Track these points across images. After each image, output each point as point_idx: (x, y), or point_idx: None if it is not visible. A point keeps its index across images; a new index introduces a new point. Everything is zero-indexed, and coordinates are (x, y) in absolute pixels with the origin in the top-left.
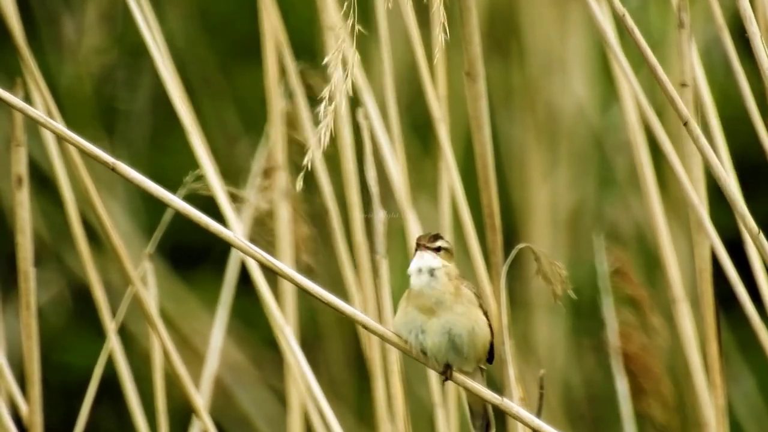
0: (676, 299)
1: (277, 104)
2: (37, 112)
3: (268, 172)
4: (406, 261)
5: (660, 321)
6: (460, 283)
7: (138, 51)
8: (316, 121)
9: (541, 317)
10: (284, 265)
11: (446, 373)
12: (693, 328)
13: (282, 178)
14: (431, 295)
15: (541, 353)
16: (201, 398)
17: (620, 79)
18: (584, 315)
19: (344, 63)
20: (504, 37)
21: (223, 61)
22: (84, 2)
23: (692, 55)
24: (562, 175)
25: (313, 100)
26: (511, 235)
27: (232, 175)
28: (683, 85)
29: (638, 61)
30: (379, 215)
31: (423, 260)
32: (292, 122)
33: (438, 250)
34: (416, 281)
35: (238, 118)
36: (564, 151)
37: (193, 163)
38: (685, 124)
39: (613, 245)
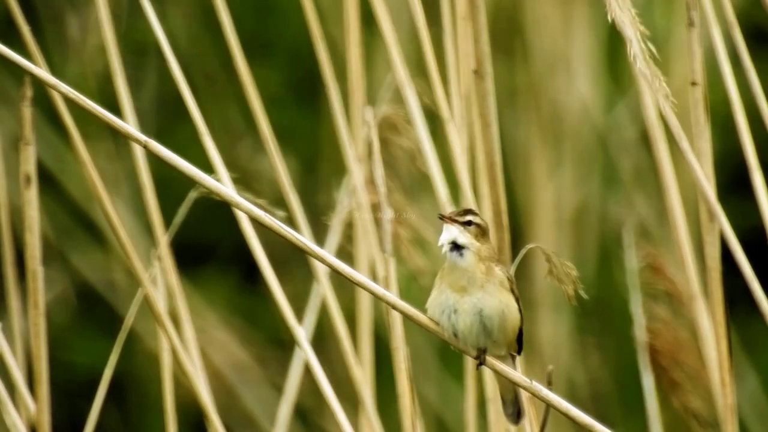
0: (693, 296)
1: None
2: (69, 89)
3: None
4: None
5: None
6: (493, 263)
7: (142, 50)
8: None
9: (545, 316)
10: (313, 243)
11: (480, 357)
12: (710, 326)
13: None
14: (462, 273)
15: (545, 352)
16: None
17: (639, 76)
18: (589, 314)
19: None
20: (508, 36)
21: (226, 59)
22: (88, 1)
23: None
24: (566, 174)
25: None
26: (515, 233)
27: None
28: (693, 83)
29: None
30: (387, 214)
31: (449, 233)
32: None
33: (468, 224)
34: (448, 257)
35: (241, 118)
36: (568, 150)
37: (197, 162)
38: None
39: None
